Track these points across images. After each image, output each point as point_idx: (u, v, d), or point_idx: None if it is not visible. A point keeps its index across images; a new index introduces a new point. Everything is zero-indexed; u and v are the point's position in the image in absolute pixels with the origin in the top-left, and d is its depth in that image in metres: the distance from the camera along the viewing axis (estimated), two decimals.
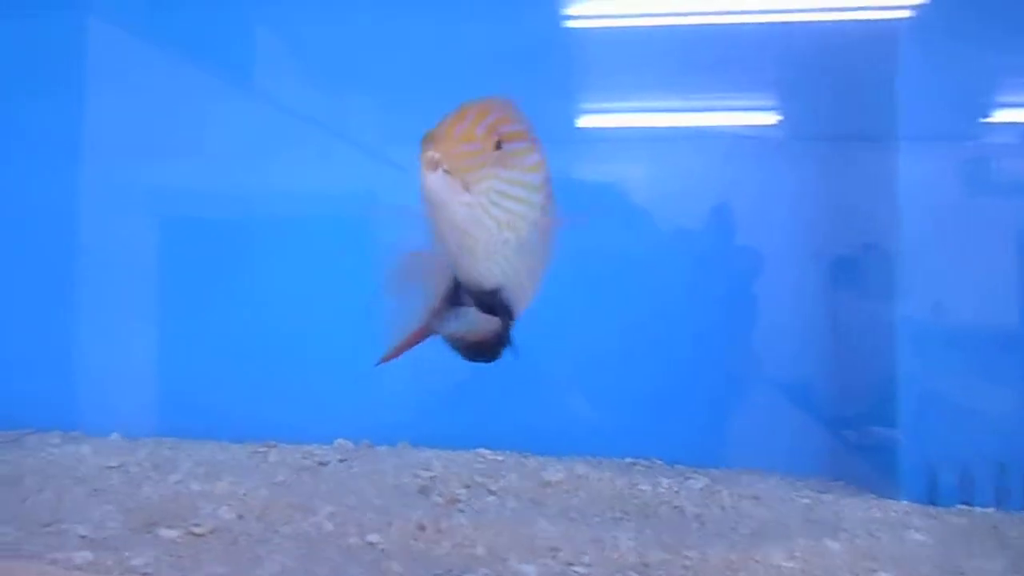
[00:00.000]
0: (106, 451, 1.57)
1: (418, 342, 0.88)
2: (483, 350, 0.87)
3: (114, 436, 1.70)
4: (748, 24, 1.67)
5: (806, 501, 1.45)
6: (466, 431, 1.67)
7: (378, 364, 0.89)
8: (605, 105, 1.75)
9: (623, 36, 1.69)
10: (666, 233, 1.70)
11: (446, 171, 0.71)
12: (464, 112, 0.74)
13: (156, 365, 1.75)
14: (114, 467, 1.48)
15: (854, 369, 1.64)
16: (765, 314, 1.67)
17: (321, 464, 1.52)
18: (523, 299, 0.84)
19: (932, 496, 1.48)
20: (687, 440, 1.67)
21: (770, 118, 1.71)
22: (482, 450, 1.64)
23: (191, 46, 1.76)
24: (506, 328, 0.85)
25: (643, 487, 1.48)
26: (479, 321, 0.85)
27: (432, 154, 0.71)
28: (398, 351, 0.88)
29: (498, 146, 0.74)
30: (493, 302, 0.83)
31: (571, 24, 1.70)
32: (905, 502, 1.45)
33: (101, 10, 1.78)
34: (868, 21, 1.62)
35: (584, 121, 1.74)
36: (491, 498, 1.42)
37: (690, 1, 1.68)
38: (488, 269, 0.79)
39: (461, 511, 1.33)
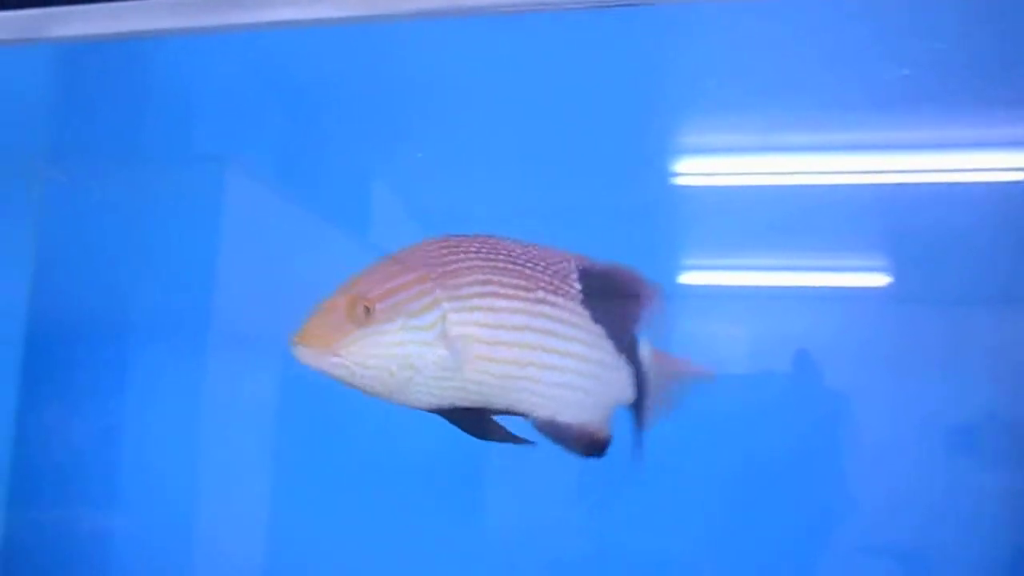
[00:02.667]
0: None
1: None
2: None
3: None
4: (858, 184, 1.65)
5: None
6: None
7: None
8: (708, 262, 1.73)
9: (729, 194, 1.71)
10: (768, 395, 1.64)
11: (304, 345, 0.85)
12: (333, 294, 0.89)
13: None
14: None
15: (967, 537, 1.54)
16: (874, 480, 1.58)
17: None
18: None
19: None
20: None
21: (880, 280, 1.66)
22: None
23: (310, 199, 1.85)
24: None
25: None
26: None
27: (295, 344, 0.86)
28: None
29: (367, 311, 0.87)
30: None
31: (679, 182, 1.71)
32: None
33: (233, 162, 1.90)
34: (984, 183, 1.60)
35: (687, 278, 1.71)
36: None
37: (801, 161, 1.68)
38: (416, 400, 0.92)
39: None
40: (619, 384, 1.03)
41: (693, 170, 1.72)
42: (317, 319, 0.88)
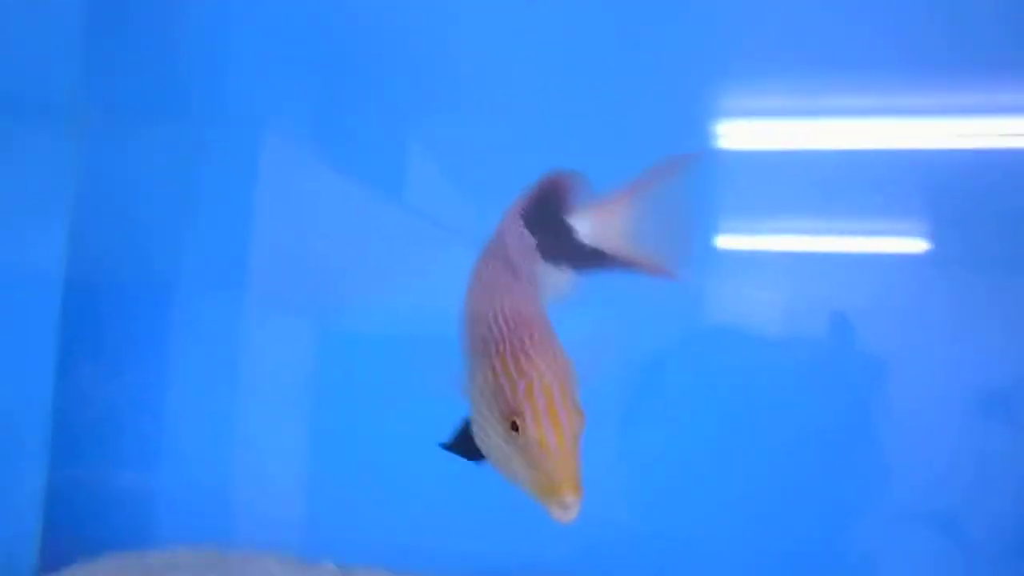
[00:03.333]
0: None
1: None
2: None
3: (328, 566, 1.74)
4: (898, 149, 1.64)
5: None
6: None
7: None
8: (747, 225, 1.72)
9: (768, 159, 1.70)
10: (804, 360, 1.66)
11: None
12: (559, 418, 0.76)
13: (370, 488, 1.80)
14: None
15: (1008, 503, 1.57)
16: (912, 445, 1.61)
17: None
18: None
19: None
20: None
21: (919, 245, 1.65)
22: None
23: (346, 160, 1.84)
24: None
25: None
26: None
27: (568, 502, 0.72)
28: None
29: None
30: None
31: (718, 145, 1.70)
32: None
33: (267, 124, 1.89)
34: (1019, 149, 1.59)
35: (724, 242, 1.71)
36: None
37: (840, 126, 1.67)
38: None
39: None
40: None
41: (732, 134, 1.71)
42: (571, 459, 0.76)
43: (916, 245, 1.65)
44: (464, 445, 0.89)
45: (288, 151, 1.88)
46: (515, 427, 0.76)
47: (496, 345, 0.82)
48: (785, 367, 1.65)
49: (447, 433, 0.90)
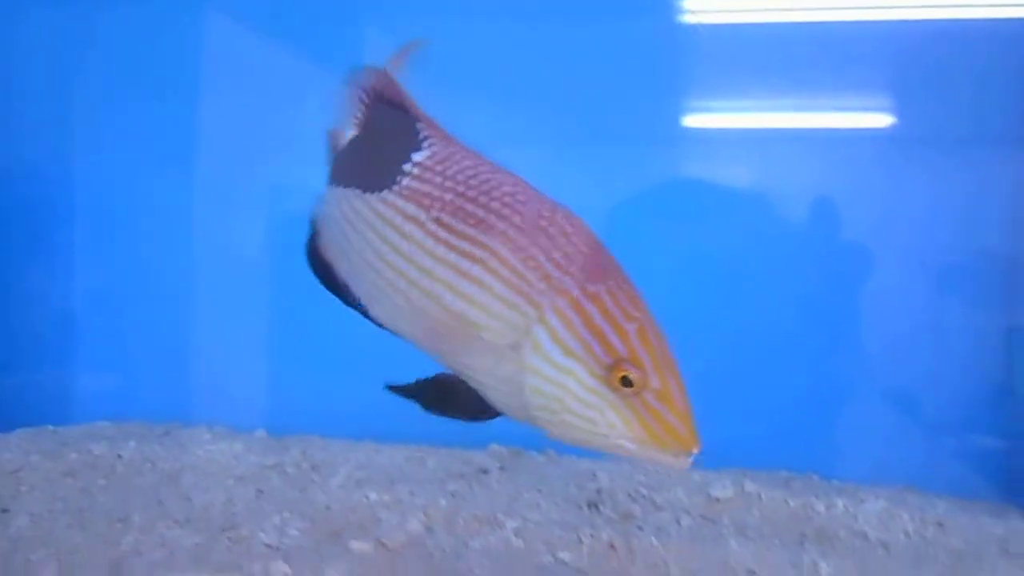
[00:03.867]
0: (258, 449, 1.55)
1: None
2: None
3: (259, 432, 1.69)
4: (864, 22, 1.59)
5: (998, 531, 1.34)
6: None
7: None
8: (714, 104, 1.67)
9: (735, 33, 1.64)
10: (773, 235, 1.63)
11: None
12: (675, 366, 0.72)
13: (294, 362, 1.73)
14: (271, 467, 1.46)
15: (963, 377, 1.58)
16: (874, 320, 1.60)
17: (483, 473, 1.46)
18: None
19: None
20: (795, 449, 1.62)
21: (885, 119, 1.62)
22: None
23: (304, 44, 1.72)
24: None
25: (817, 508, 1.40)
26: None
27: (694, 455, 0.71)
28: None
29: None
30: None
31: (683, 20, 1.64)
32: None
33: (218, 5, 1.76)
34: (989, 20, 1.55)
35: (692, 120, 1.66)
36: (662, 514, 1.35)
37: None
38: None
39: (640, 528, 1.26)
40: None
41: (697, 8, 1.64)
42: (691, 413, 0.72)
43: (881, 120, 1.63)
44: (426, 394, 0.82)
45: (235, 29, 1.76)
46: (625, 379, 0.70)
47: (581, 276, 0.73)
48: (751, 244, 1.63)
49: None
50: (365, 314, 0.86)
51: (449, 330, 0.76)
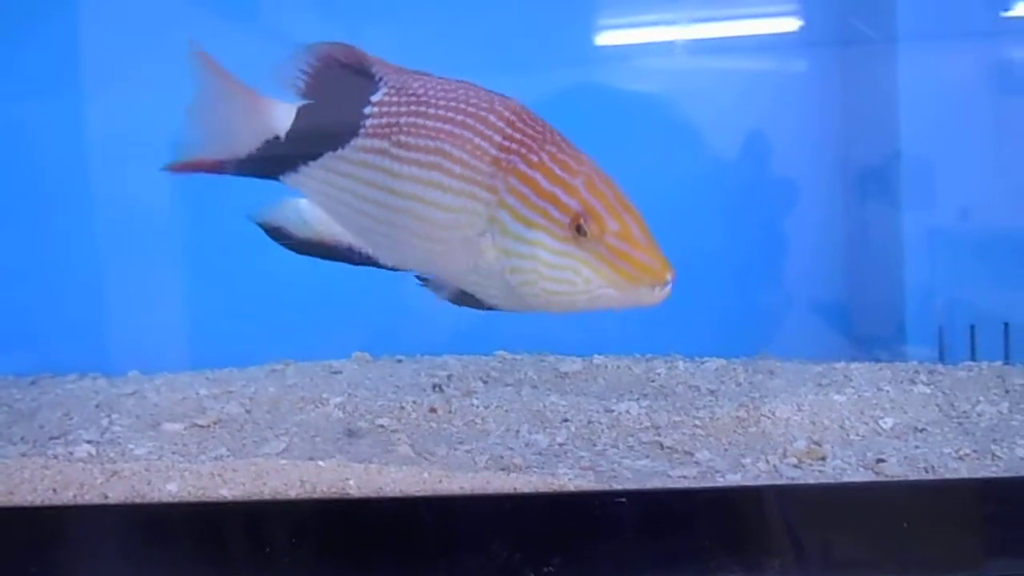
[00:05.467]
0: (122, 384, 1.57)
1: None
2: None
3: (132, 373, 1.70)
4: None
5: (819, 369, 1.41)
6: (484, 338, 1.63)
7: None
8: (622, 20, 1.67)
9: None
10: (686, 145, 1.61)
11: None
12: (631, 207, 0.77)
13: (176, 302, 1.74)
14: (129, 394, 1.48)
15: (873, 270, 1.62)
16: (786, 220, 1.62)
17: (336, 373, 1.49)
18: None
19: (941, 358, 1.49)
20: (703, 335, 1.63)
21: (791, 24, 1.64)
22: (501, 352, 1.61)
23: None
24: None
25: (659, 371, 1.46)
26: None
27: (669, 279, 0.75)
28: None
29: None
30: None
31: None
32: (914, 362, 1.44)
33: None
34: None
35: (602, 38, 1.67)
36: (507, 388, 1.38)
37: None
38: None
39: (476, 398, 1.29)
40: None
41: None
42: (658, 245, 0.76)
43: (787, 24, 1.64)
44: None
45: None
46: (581, 230, 0.75)
47: (523, 151, 0.79)
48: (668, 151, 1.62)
49: None
50: (376, 264, 0.92)
51: (431, 241, 0.84)
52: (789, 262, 1.65)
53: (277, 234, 0.92)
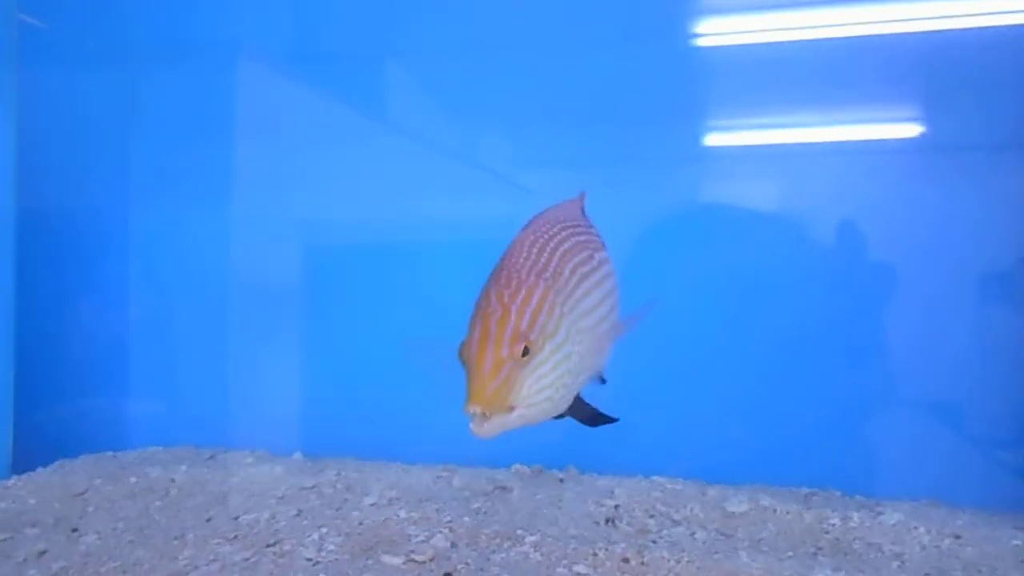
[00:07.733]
0: (296, 471, 1.67)
1: None
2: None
3: (296, 456, 1.80)
4: (885, 35, 1.63)
5: (1016, 543, 1.37)
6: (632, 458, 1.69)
7: None
8: (736, 122, 1.73)
9: (753, 53, 1.69)
10: (801, 252, 1.67)
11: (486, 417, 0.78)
12: (486, 336, 0.80)
13: (328, 388, 1.86)
14: (310, 488, 1.57)
15: (1008, 388, 1.58)
16: (910, 333, 1.62)
17: (504, 489, 1.56)
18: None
19: None
20: (840, 466, 1.65)
21: (912, 130, 1.65)
22: (657, 478, 1.66)
23: (329, 84, 1.85)
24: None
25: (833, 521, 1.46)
26: None
27: (474, 411, 0.78)
28: None
29: (525, 351, 0.81)
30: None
31: (701, 43, 1.71)
32: None
33: (250, 55, 1.87)
34: (1010, 27, 1.57)
35: (713, 139, 1.72)
36: (679, 528, 1.42)
37: (824, 14, 1.65)
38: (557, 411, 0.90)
39: (654, 542, 1.33)
40: None
41: (715, 30, 1.71)
42: (483, 380, 0.79)
43: (910, 130, 1.66)
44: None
45: (263, 73, 1.88)
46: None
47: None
48: (775, 260, 1.67)
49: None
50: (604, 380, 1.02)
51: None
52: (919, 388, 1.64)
53: None
